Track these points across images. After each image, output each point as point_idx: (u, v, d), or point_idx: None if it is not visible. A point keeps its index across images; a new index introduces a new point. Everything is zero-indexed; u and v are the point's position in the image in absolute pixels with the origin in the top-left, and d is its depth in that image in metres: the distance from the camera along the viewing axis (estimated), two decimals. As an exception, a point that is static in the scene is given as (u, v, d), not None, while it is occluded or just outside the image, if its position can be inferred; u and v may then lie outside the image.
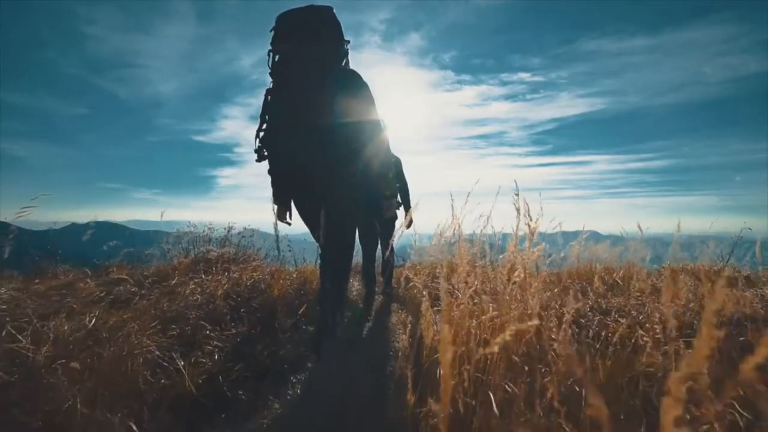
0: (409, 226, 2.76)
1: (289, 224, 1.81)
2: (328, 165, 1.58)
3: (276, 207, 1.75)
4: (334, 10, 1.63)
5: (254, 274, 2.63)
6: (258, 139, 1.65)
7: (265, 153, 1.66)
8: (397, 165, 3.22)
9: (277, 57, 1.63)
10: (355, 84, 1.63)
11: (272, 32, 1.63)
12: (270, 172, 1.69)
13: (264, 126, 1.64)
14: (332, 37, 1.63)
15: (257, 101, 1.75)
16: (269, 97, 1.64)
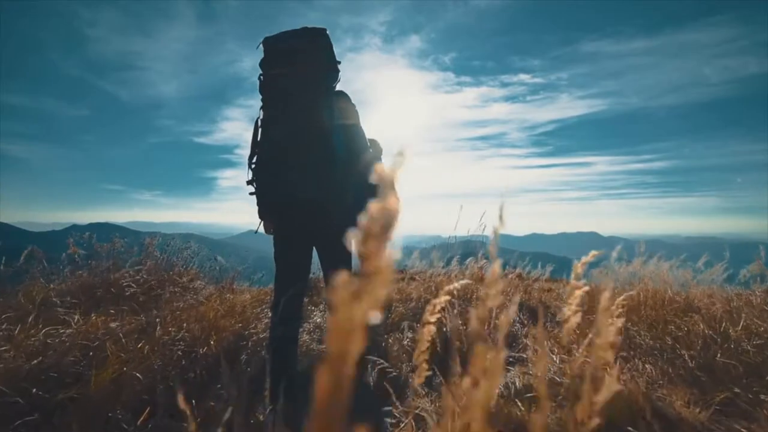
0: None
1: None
2: (335, 194, 1.54)
3: (263, 222, 1.69)
4: (328, 32, 1.58)
5: (116, 324, 1.57)
6: (250, 170, 1.61)
7: (257, 184, 1.61)
8: None
9: (269, 80, 1.57)
10: (347, 107, 1.60)
11: (263, 54, 1.58)
12: (260, 200, 1.62)
13: (256, 158, 1.60)
14: (327, 60, 1.59)
15: (258, 102, 1.66)
16: (260, 129, 1.59)
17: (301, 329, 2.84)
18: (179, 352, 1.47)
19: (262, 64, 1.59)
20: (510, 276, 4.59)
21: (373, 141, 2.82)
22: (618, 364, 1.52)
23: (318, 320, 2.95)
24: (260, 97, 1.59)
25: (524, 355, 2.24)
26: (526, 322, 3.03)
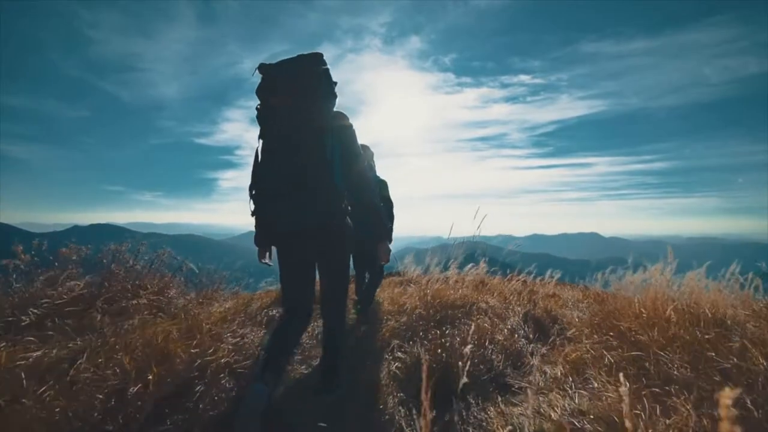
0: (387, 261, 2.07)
1: (270, 266, 1.80)
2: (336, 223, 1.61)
3: (258, 250, 1.75)
4: (324, 57, 1.60)
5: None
6: (252, 200, 1.64)
7: (256, 214, 1.65)
8: (383, 187, 3.13)
9: (266, 110, 1.60)
10: (344, 127, 1.63)
11: (260, 82, 1.60)
12: (259, 229, 1.68)
13: (255, 189, 1.63)
14: (324, 87, 1.59)
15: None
16: (260, 158, 1.61)
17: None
18: (100, 395, 1.17)
19: (258, 93, 1.60)
20: (514, 281, 4.30)
21: (363, 146, 2.71)
22: (648, 404, 1.22)
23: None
24: (258, 126, 1.62)
25: (532, 383, 1.94)
26: (531, 336, 2.73)
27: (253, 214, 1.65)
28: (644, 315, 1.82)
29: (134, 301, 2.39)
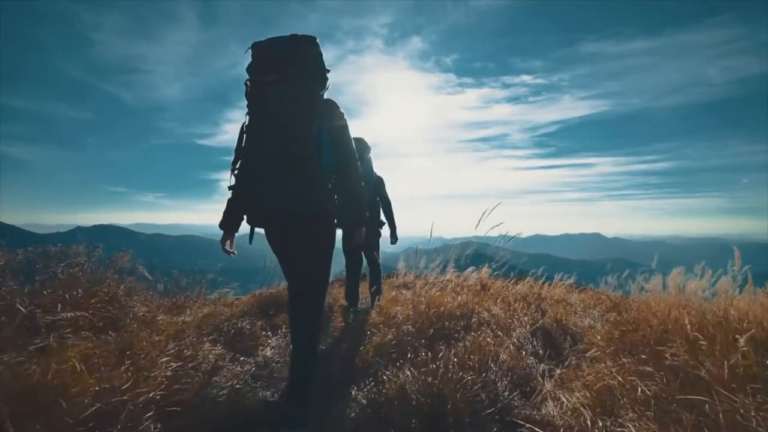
0: (394, 242, 2.68)
1: (232, 254, 1.75)
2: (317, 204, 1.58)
3: (222, 234, 1.70)
4: (317, 40, 1.58)
5: None
6: (233, 176, 1.63)
7: (240, 191, 1.63)
8: (380, 185, 3.14)
9: (256, 87, 1.57)
10: (335, 115, 1.61)
11: (251, 60, 1.58)
12: (232, 201, 1.66)
13: (239, 163, 1.61)
14: (315, 69, 1.57)
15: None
16: (245, 135, 1.59)
17: (249, 366, 2.18)
18: None
19: (249, 70, 1.58)
20: (519, 285, 3.91)
21: (358, 139, 2.66)
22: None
23: (268, 354, 2.23)
24: (246, 102, 1.59)
25: (546, 419, 1.55)
26: (541, 352, 2.33)
27: (230, 188, 1.63)
28: (701, 342, 1.40)
29: (70, 314, 1.99)
